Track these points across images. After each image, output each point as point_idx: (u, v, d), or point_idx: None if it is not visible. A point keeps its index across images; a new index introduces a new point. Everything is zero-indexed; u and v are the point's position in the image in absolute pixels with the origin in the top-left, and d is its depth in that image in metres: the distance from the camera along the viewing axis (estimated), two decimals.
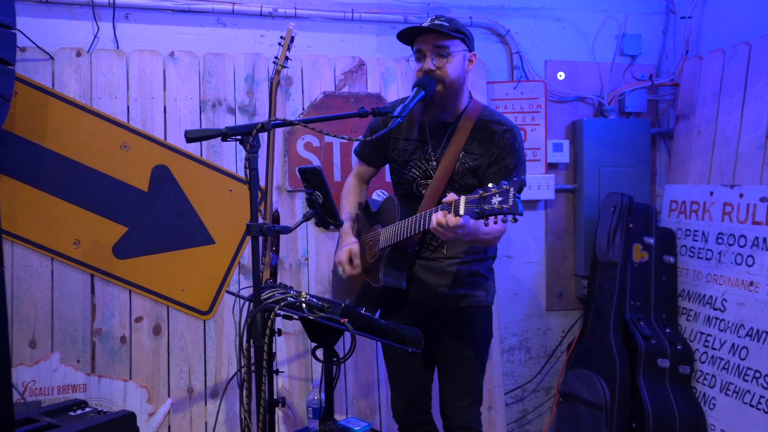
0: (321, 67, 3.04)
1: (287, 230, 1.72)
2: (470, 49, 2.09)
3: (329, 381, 1.81)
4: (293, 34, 2.36)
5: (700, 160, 3.14)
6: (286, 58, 2.37)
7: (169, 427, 2.81)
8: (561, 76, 3.38)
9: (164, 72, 2.88)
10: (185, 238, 2.88)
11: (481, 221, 1.82)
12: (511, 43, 3.29)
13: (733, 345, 2.77)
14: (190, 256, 2.88)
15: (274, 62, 2.37)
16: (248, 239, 2.81)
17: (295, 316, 1.67)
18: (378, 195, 3.05)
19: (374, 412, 3.01)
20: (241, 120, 2.94)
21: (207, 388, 2.86)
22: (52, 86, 2.77)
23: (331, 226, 1.85)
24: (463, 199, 1.72)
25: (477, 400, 2.26)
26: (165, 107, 2.88)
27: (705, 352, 2.92)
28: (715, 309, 2.89)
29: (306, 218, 1.81)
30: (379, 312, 2.34)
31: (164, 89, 2.89)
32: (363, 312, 1.71)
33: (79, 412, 2.23)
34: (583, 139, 3.30)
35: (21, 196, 2.72)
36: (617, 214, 3.05)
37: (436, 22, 2.01)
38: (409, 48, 2.14)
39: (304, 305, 1.67)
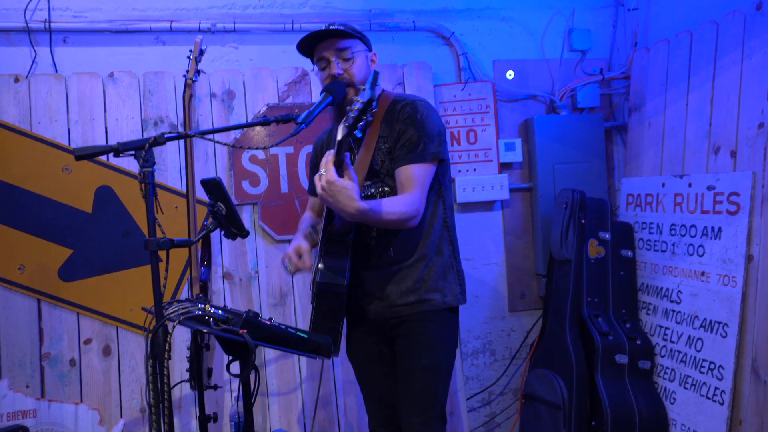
0: (263, 80, 3.04)
1: (188, 243, 1.70)
2: (370, 49, 2.09)
3: (247, 395, 1.78)
4: (201, 47, 2.36)
5: (651, 152, 3.10)
6: (197, 72, 2.36)
7: None
8: (510, 75, 3.35)
9: (104, 93, 2.89)
10: (132, 258, 2.87)
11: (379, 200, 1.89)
12: (456, 44, 3.27)
13: (689, 337, 2.71)
14: (137, 276, 2.86)
15: (184, 77, 2.36)
16: (206, 254, 2.81)
17: (203, 329, 1.64)
18: None
19: (333, 424, 2.97)
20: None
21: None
22: None
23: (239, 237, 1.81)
24: (339, 125, 1.74)
25: (436, 417, 2.06)
26: (106, 128, 2.89)
27: (664, 346, 2.86)
28: (671, 301, 2.84)
29: (209, 230, 1.79)
30: (345, 328, 2.21)
31: (105, 110, 2.89)
32: (270, 322, 1.68)
33: None
34: (535, 137, 3.27)
35: None
36: (569, 211, 3.01)
37: (332, 27, 2.00)
38: None
39: (209, 318, 1.65)
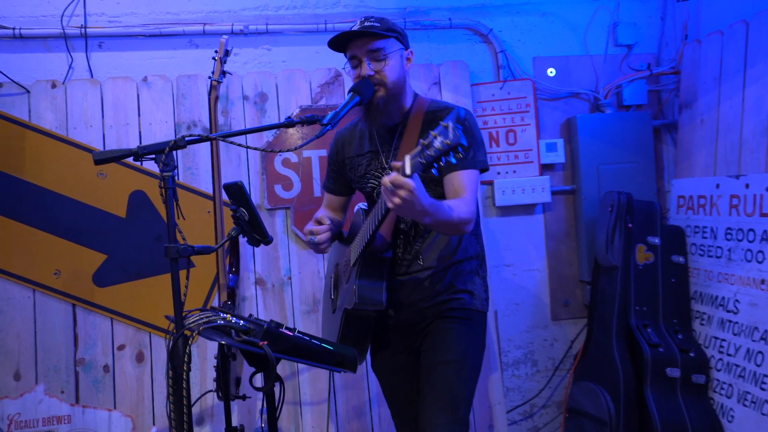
0: (296, 81, 2.98)
1: (209, 250, 1.64)
2: (406, 46, 1.98)
3: (271, 408, 1.71)
4: (227, 48, 2.30)
5: (704, 151, 2.91)
6: (223, 73, 2.31)
7: None
8: (551, 72, 3.21)
9: (138, 97, 2.88)
10: (165, 263, 2.84)
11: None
12: (494, 42, 3.15)
13: (748, 350, 2.52)
14: (170, 281, 2.83)
15: (209, 78, 2.31)
16: (227, 261, 2.76)
17: (221, 341, 1.58)
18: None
19: None
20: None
21: (192, 414, 2.79)
22: (29, 119, 2.80)
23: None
24: (407, 156, 1.54)
25: (460, 420, 1.93)
26: (140, 132, 2.88)
27: (720, 359, 2.67)
28: (728, 311, 2.65)
29: (231, 237, 1.72)
30: (369, 347, 2.12)
31: (138, 114, 2.88)
32: (293, 333, 1.61)
33: None
34: (578, 137, 3.12)
35: (2, 229, 2.75)
36: (615, 214, 2.85)
37: (366, 24, 1.91)
38: None
39: (231, 328, 1.58)
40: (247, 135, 2.92)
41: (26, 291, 2.75)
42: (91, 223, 2.81)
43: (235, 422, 2.42)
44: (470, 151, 1.91)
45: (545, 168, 3.17)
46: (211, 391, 2.48)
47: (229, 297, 2.32)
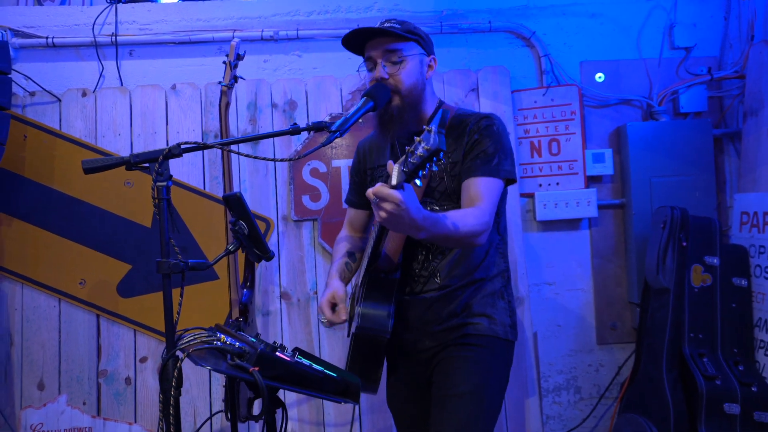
0: (327, 89, 2.87)
1: (203, 266, 1.53)
2: (428, 53, 1.83)
3: None
4: (237, 51, 2.20)
5: None
6: (234, 78, 2.21)
7: None
8: (600, 77, 2.99)
9: (166, 105, 2.84)
10: (188, 274, 2.76)
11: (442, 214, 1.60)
12: (537, 45, 2.95)
13: None
14: (194, 293, 2.77)
15: (219, 83, 2.22)
16: (248, 274, 2.67)
17: (206, 367, 1.45)
18: None
19: None
20: (244, 149, 2.82)
21: (213, 431, 2.71)
22: (59, 127, 2.80)
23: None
24: (395, 165, 1.42)
25: None
26: (167, 141, 2.83)
27: None
28: None
29: (229, 252, 1.61)
30: (385, 369, 1.96)
31: (166, 123, 2.84)
32: (292, 358, 1.47)
33: None
34: (629, 147, 2.88)
35: (31, 237, 2.74)
36: (667, 231, 2.60)
37: (386, 24, 1.78)
38: None
39: (226, 351, 1.46)
40: (275, 142, 2.86)
41: (52, 300, 2.74)
42: (117, 232, 2.77)
43: None
44: (494, 158, 1.74)
45: (591, 180, 2.94)
46: (220, 411, 2.38)
47: (242, 313, 2.21)
